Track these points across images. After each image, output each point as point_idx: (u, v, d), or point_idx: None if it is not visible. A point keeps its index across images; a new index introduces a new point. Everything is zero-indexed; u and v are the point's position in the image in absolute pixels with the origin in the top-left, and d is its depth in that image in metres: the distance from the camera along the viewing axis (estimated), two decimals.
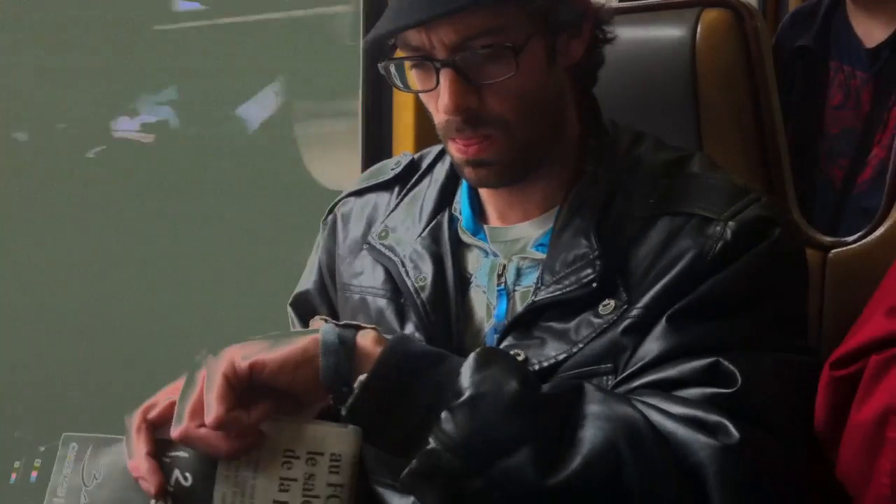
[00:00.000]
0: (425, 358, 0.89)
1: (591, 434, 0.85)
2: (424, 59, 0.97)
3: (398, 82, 1.02)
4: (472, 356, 0.88)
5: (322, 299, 1.19)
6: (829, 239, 1.21)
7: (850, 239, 1.20)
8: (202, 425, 0.84)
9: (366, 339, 0.88)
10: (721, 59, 1.22)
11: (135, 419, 0.87)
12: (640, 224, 0.99)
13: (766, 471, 0.87)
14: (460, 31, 0.94)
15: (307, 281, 1.21)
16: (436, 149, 1.17)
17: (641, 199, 1.01)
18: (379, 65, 1.01)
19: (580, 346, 0.96)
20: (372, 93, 1.60)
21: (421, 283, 1.05)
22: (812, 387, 0.96)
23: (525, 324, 1.00)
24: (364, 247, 1.13)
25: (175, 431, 0.84)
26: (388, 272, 1.09)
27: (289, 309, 1.22)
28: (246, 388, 0.84)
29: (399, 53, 1.02)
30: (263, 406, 0.85)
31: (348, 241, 1.16)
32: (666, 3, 1.29)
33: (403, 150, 1.28)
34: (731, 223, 0.96)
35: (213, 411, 0.82)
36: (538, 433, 0.85)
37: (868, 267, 1.15)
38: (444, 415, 0.84)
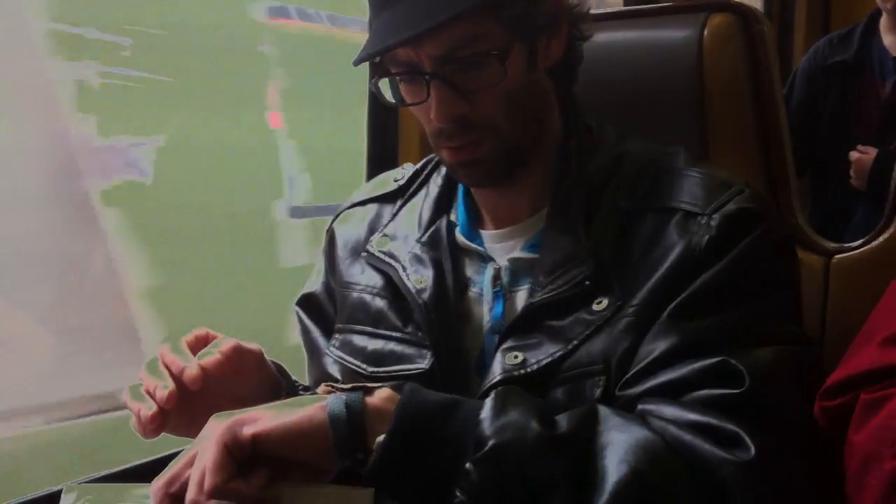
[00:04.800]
0: (441, 409, 0.87)
1: (614, 465, 0.84)
2: (414, 74, 0.99)
3: (390, 98, 1.04)
4: (488, 401, 0.87)
5: (329, 300, 1.22)
6: (832, 245, 1.21)
7: (853, 245, 1.19)
8: None
9: (377, 399, 0.88)
10: (727, 62, 1.22)
11: (158, 493, 0.85)
12: (626, 220, 1.01)
13: (786, 477, 0.87)
14: (445, 44, 0.96)
15: (313, 284, 1.24)
16: (433, 158, 1.19)
17: (626, 195, 1.02)
18: (370, 82, 1.03)
19: (574, 342, 0.97)
20: (378, 104, 1.60)
21: (422, 286, 1.07)
22: (812, 374, 0.96)
23: (524, 326, 1.00)
24: (363, 255, 1.15)
25: (186, 502, 0.83)
26: (388, 277, 1.11)
27: (295, 308, 1.25)
28: (248, 458, 0.84)
29: None
30: (261, 475, 0.84)
31: (349, 244, 1.19)
32: (673, 7, 1.30)
33: (407, 162, 1.30)
34: (715, 216, 0.97)
35: (208, 482, 0.81)
36: (567, 473, 0.83)
37: (872, 273, 1.15)
38: (468, 466, 0.83)
